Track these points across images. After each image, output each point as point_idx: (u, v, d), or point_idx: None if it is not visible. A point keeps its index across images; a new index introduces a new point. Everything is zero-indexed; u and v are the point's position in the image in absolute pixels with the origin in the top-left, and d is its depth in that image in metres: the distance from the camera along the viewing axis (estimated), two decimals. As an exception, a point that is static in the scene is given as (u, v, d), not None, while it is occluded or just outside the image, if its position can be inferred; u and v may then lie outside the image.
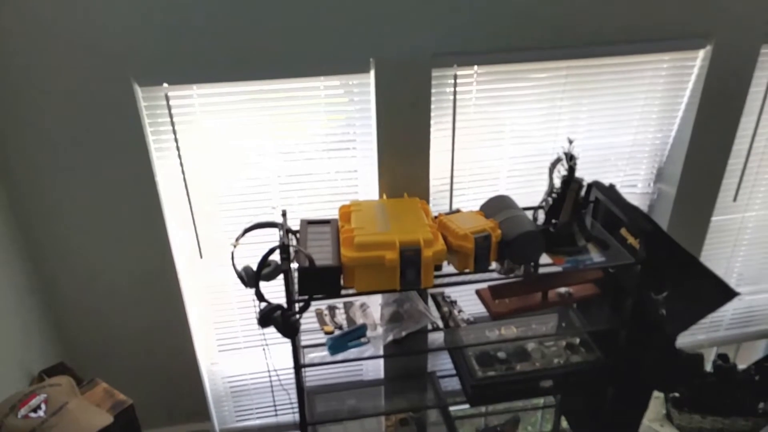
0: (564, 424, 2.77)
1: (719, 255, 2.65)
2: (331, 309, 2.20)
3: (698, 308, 1.82)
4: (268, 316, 1.81)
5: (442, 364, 2.60)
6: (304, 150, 2.13)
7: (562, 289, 2.21)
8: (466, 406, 2.21)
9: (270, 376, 2.08)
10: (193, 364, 2.40)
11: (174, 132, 1.98)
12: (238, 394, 2.63)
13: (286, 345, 1.89)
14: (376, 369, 2.60)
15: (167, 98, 1.93)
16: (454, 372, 2.37)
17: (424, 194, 2.20)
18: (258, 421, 2.69)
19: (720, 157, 2.33)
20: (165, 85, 1.90)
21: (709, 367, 2.70)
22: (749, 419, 2.52)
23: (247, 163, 2.11)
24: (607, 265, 1.96)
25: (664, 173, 2.42)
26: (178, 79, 1.90)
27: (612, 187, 2.17)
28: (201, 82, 1.92)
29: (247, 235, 2.01)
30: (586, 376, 2.15)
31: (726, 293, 1.78)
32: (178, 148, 2.01)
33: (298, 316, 1.81)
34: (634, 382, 2.07)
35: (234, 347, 2.49)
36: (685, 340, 2.46)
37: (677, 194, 2.35)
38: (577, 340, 2.31)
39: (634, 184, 2.49)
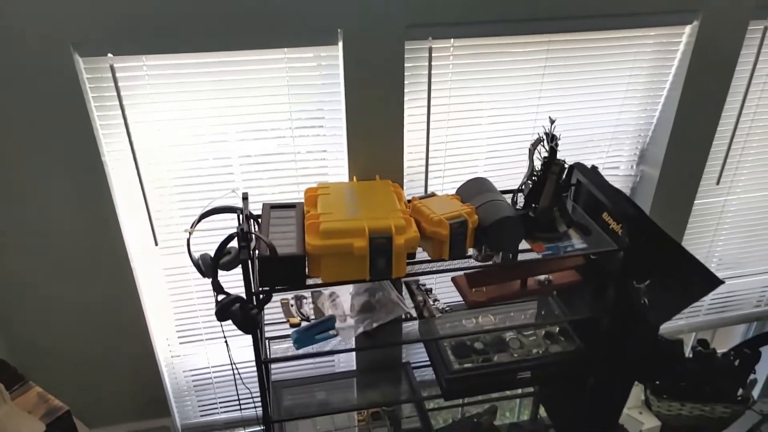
0: (542, 412, 2.69)
1: (700, 239, 2.57)
2: (298, 299, 2.06)
3: (682, 297, 1.73)
4: (226, 310, 1.67)
5: (417, 353, 2.49)
6: (267, 128, 1.97)
7: (542, 277, 2.11)
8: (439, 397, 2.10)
9: (233, 371, 1.95)
10: (150, 358, 2.25)
11: (122, 108, 1.80)
12: (202, 388, 2.49)
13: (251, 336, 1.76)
14: (348, 360, 2.48)
15: (113, 70, 1.75)
16: (429, 362, 2.27)
17: (397, 177, 2.07)
18: (223, 416, 2.55)
19: (705, 138, 2.23)
20: (110, 55, 1.72)
21: (688, 352, 2.65)
22: (729, 406, 2.47)
23: (205, 142, 1.95)
24: (588, 252, 1.86)
25: (647, 155, 2.32)
26: (124, 49, 1.71)
27: (594, 169, 2.07)
28: (150, 53, 1.74)
29: (206, 220, 1.86)
30: (566, 367, 2.06)
31: (711, 281, 1.69)
32: (127, 126, 1.83)
33: (258, 309, 1.67)
34: (615, 373, 1.99)
35: (196, 339, 2.35)
36: (664, 325, 2.40)
37: (660, 177, 2.26)
38: (557, 329, 2.21)
39: (617, 166, 2.39)
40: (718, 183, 2.34)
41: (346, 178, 2.07)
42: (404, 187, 2.13)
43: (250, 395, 2.39)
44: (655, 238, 1.80)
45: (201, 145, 1.95)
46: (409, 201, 1.88)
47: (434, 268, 1.84)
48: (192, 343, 2.36)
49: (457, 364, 2.05)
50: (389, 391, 2.32)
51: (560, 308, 2.22)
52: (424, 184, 2.16)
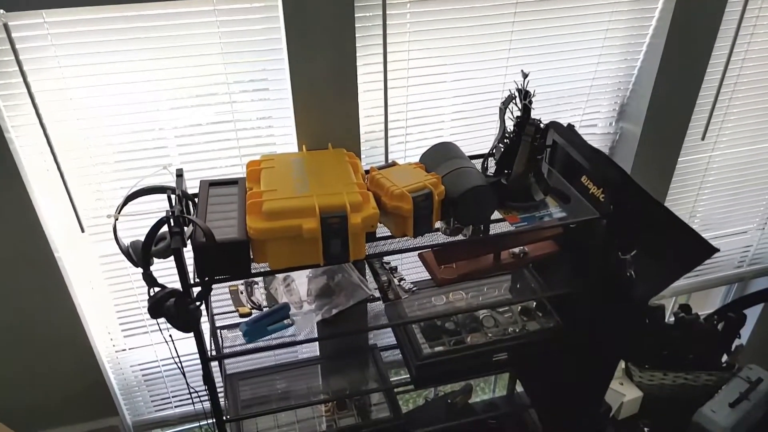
0: (519, 387, 2.56)
1: (683, 200, 2.41)
2: (248, 285, 1.84)
3: (673, 268, 1.56)
4: (160, 305, 1.45)
5: (384, 334, 2.31)
6: (202, 94, 1.72)
7: (517, 249, 1.93)
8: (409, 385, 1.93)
9: (179, 367, 1.74)
10: (89, 354, 2.02)
11: (23, 75, 1.52)
12: (152, 382, 2.28)
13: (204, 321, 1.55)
14: (311, 345, 2.28)
15: (7, 29, 1.46)
16: (398, 346, 2.09)
17: (352, 145, 1.84)
18: (177, 410, 2.36)
19: (691, 89, 2.04)
20: (1, 11, 1.44)
21: (668, 318, 2.52)
22: (713, 373, 2.36)
23: (129, 112, 1.69)
24: (568, 222, 1.68)
25: (627, 110, 2.12)
26: (19, 3, 1.43)
27: (571, 127, 1.87)
28: (51, 7, 1.45)
29: (138, 202, 1.62)
30: (545, 346, 1.90)
31: (705, 249, 1.52)
32: (32, 97, 1.56)
33: (196, 304, 1.45)
34: (599, 352, 1.83)
35: (141, 331, 2.12)
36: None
37: (643, 133, 2.06)
38: (533, 305, 2.05)
39: (594, 124, 2.19)
40: (703, 138, 2.16)
41: (295, 148, 1.83)
42: (361, 157, 1.90)
43: (203, 389, 2.18)
44: (642, 204, 1.63)
45: (124, 116, 1.69)
46: (366, 172, 1.66)
47: (398, 247, 1.63)
48: (138, 336, 2.14)
49: (428, 348, 1.87)
50: (356, 378, 2.14)
51: (537, 282, 2.05)
52: (384, 153, 1.94)
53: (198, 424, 2.41)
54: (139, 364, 2.21)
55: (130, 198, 1.56)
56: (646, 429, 2.41)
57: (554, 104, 2.07)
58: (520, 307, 2.04)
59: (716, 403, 2.18)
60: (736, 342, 2.37)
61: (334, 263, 1.48)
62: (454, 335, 1.95)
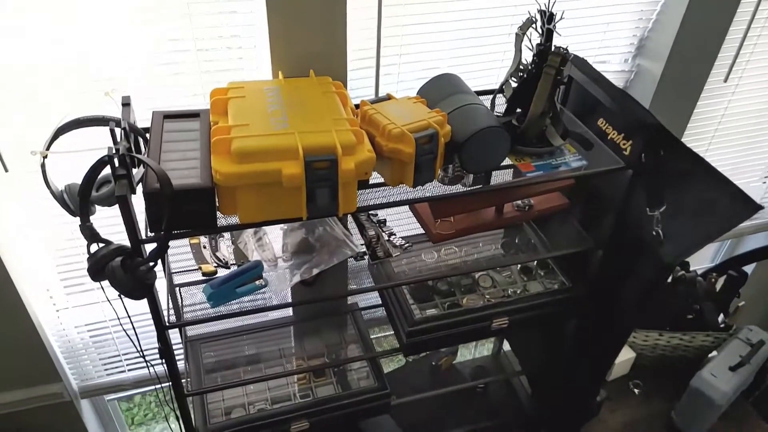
0: (506, 346, 2.40)
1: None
2: (213, 239, 1.57)
3: (708, 226, 1.36)
4: (101, 266, 1.17)
5: (366, 293, 2.08)
6: (153, 5, 1.38)
7: (520, 201, 1.70)
8: (397, 353, 1.72)
9: (132, 327, 1.46)
10: (21, 313, 1.73)
11: None
12: (102, 343, 2.01)
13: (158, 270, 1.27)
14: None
15: None
16: (384, 308, 1.87)
17: (339, 72, 1.54)
18: (131, 374, 2.10)
19: (722, 22, 1.78)
20: None
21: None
22: (710, 334, 2.24)
23: (61, 22, 1.35)
24: (590, 172, 1.44)
25: (648, 45, 1.87)
26: None
27: (585, 62, 1.63)
28: None
29: (75, 135, 1.30)
30: (550, 310, 1.70)
31: (747, 206, 1.32)
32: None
33: (149, 265, 1.18)
34: (609, 318, 1.65)
35: (86, 287, 1.84)
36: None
37: (664, 73, 1.82)
38: (534, 263, 1.84)
39: (604, 61, 1.94)
40: (726, 80, 1.93)
41: (269, 75, 1.53)
42: (347, 88, 1.61)
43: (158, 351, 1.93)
44: (675, 154, 1.40)
45: (55, 28, 1.35)
46: (356, 107, 1.38)
47: (392, 199, 1.37)
48: (82, 293, 1.85)
49: (419, 313, 1.65)
50: (334, 340, 1.92)
51: (538, 237, 1.83)
52: (374, 83, 1.65)
53: (153, 388, 2.17)
54: (86, 325, 1.94)
55: (61, 130, 1.25)
56: (636, 390, 2.30)
57: (564, 36, 1.79)
58: (519, 266, 1.83)
59: (716, 367, 2.05)
60: (740, 303, 2.24)
61: (319, 216, 1.22)
62: (448, 296, 1.73)
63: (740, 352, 2.09)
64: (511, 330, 1.69)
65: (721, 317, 2.30)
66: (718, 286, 2.30)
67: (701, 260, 2.90)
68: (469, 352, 2.91)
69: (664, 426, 2.16)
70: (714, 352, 2.23)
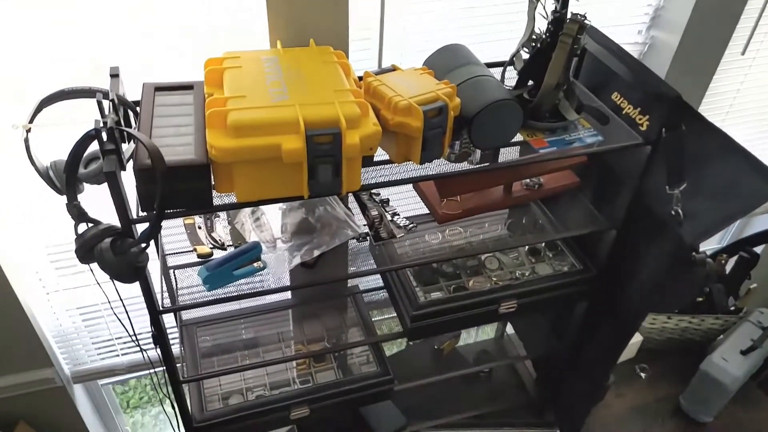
0: (509, 329, 2.35)
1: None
2: (208, 219, 1.50)
3: (732, 206, 1.29)
4: (89, 247, 1.10)
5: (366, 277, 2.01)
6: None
7: (529, 179, 1.63)
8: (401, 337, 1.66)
9: (125, 310, 1.40)
10: (9, 297, 1.66)
11: None
12: (94, 327, 1.95)
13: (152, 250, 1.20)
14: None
15: None
16: (381, 285, 1.81)
17: (340, 42, 1.45)
18: (125, 358, 2.04)
19: (743, -8, 1.71)
20: None
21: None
22: (720, 317, 2.19)
23: (41, -14, 1.26)
24: (607, 148, 1.37)
25: (664, 16, 1.78)
26: None
27: (599, 32, 1.54)
28: None
29: (58, 108, 1.22)
30: (559, 292, 1.63)
31: (773, 185, 1.25)
32: None
33: (141, 246, 1.10)
34: (623, 302, 1.59)
35: (78, 269, 1.77)
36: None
37: (681, 44, 1.74)
38: (542, 244, 1.77)
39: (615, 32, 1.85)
40: (743, 52, 1.85)
41: (266, 45, 1.44)
42: (349, 58, 1.52)
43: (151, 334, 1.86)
44: (696, 128, 1.33)
45: (35, -9, 1.26)
46: (360, 78, 1.30)
47: (396, 176, 1.30)
48: (73, 275, 1.78)
49: (424, 296, 1.59)
50: (334, 323, 1.86)
51: (546, 217, 1.77)
52: (377, 54, 1.56)
53: (148, 372, 2.11)
54: (77, 308, 1.88)
55: (45, 102, 1.17)
56: (642, 374, 2.25)
57: (575, 5, 1.71)
58: (527, 247, 1.76)
59: (727, 351, 2.00)
60: (752, 285, 2.18)
61: (321, 195, 1.15)
62: (454, 279, 1.67)
63: (752, 336, 2.05)
64: (519, 314, 1.62)
65: (730, 300, 2.24)
66: (728, 267, 2.24)
67: (709, 241, 2.83)
68: (470, 336, 2.85)
69: (671, 410, 2.12)
70: (721, 336, 2.18)
